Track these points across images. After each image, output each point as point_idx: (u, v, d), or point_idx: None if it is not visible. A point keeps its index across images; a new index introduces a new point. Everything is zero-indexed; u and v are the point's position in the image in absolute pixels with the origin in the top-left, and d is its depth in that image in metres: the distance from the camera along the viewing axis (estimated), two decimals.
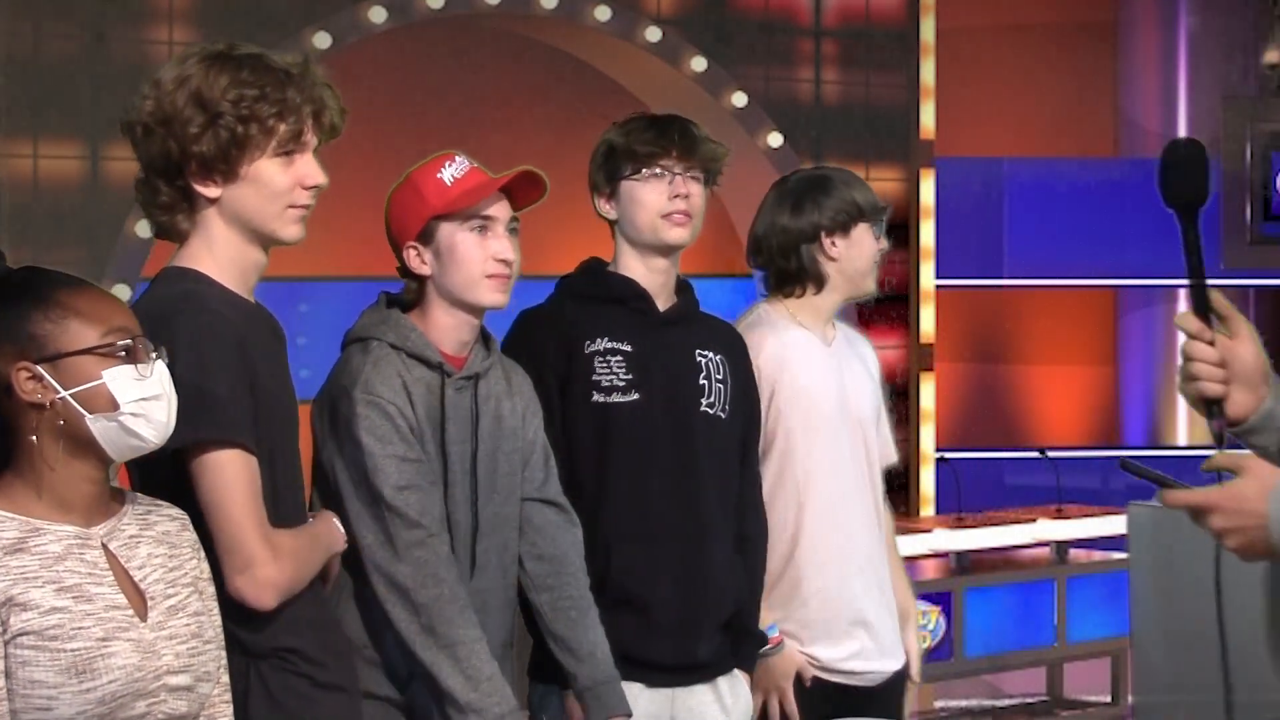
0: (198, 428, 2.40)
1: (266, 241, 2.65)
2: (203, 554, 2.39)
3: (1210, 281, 2.27)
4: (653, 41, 6.79)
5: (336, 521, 2.74)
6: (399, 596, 2.84)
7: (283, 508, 2.56)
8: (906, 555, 5.17)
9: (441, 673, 2.82)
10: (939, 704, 6.75)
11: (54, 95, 5.71)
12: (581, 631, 3.09)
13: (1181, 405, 7.43)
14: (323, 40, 6.19)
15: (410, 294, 3.02)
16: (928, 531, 6.44)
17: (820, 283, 3.66)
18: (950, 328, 8.06)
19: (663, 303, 3.37)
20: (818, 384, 3.62)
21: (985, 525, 6.50)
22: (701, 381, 3.36)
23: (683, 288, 3.43)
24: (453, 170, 2.99)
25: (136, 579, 2.27)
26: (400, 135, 6.87)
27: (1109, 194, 7.72)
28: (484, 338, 3.07)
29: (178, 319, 2.44)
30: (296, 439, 2.66)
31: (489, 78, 7.60)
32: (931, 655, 5.86)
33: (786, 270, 3.67)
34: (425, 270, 2.98)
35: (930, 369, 7.54)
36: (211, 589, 2.39)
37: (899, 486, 7.03)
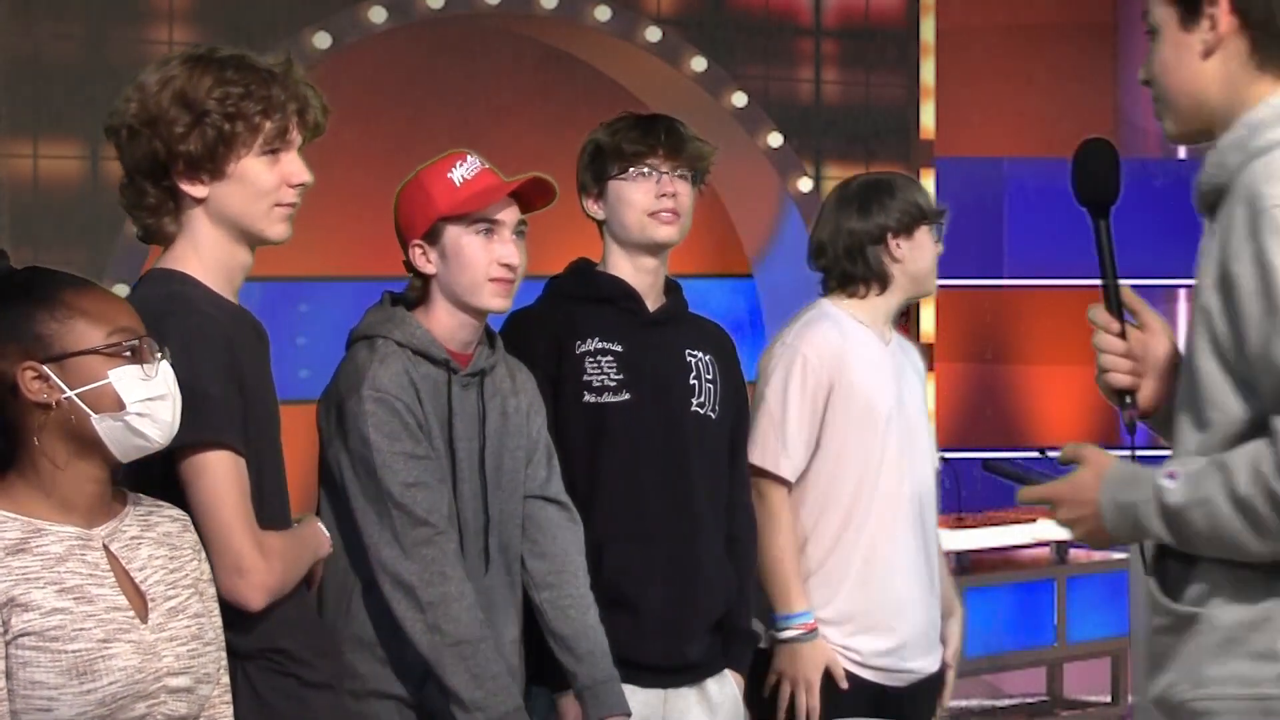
0: (189, 429, 2.40)
1: (253, 241, 2.65)
2: (204, 555, 2.40)
3: (1124, 280, 2.38)
4: (653, 41, 6.78)
5: (321, 526, 2.74)
6: (405, 594, 2.84)
7: (268, 509, 2.56)
8: None
9: (447, 671, 2.83)
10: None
11: (54, 95, 5.70)
12: (582, 630, 3.09)
13: None
14: (323, 40, 6.18)
15: (414, 292, 3.03)
16: None
17: (885, 283, 3.72)
18: (950, 328, 8.05)
19: (652, 303, 3.37)
20: (876, 381, 3.65)
21: (985, 525, 6.50)
22: (692, 381, 3.37)
23: (671, 288, 3.43)
24: (463, 171, 2.99)
25: (137, 580, 2.27)
26: (400, 135, 6.87)
27: None
28: (488, 335, 3.08)
29: (167, 321, 2.44)
30: (280, 439, 2.65)
31: (489, 78, 7.59)
32: None
33: (851, 272, 3.73)
34: (430, 269, 3.00)
35: (930, 369, 7.54)
36: (212, 590, 2.40)
37: None
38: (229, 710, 2.40)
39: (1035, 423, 8.86)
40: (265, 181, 2.61)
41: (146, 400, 2.26)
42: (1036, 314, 8.74)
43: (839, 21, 7.21)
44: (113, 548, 2.28)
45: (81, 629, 2.19)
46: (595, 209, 3.39)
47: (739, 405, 3.49)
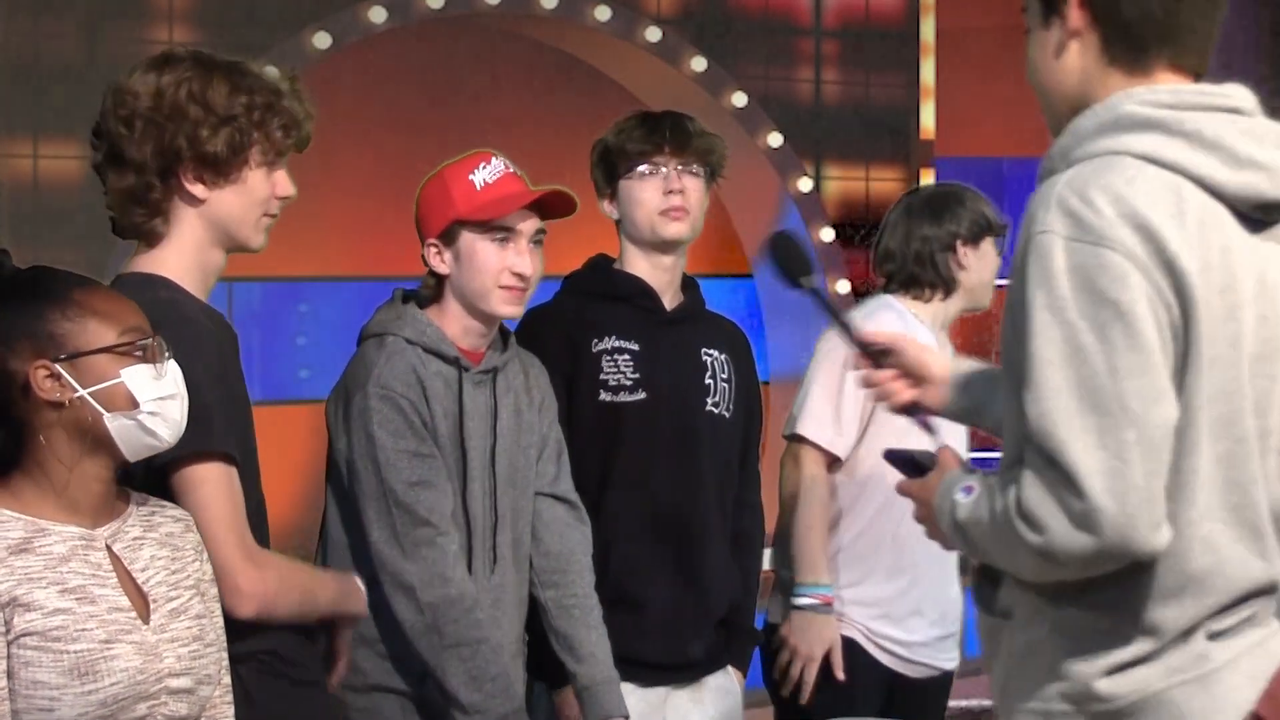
0: (186, 439, 2.39)
1: (233, 247, 2.66)
2: (205, 556, 2.39)
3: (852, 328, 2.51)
4: (653, 41, 6.79)
5: (360, 583, 2.71)
6: (405, 595, 2.84)
7: (248, 514, 2.56)
8: None
9: (446, 673, 2.83)
10: None
11: (54, 95, 5.70)
12: (584, 631, 3.09)
13: None
14: (323, 40, 6.19)
15: (428, 289, 3.03)
16: None
17: (949, 290, 3.79)
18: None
19: (669, 300, 3.37)
20: None
21: None
22: (707, 381, 3.37)
23: (689, 285, 3.43)
24: (485, 174, 2.98)
25: (139, 581, 2.27)
26: (399, 136, 6.87)
27: None
28: (501, 332, 3.08)
29: (161, 329, 2.41)
30: (255, 443, 2.64)
31: (489, 78, 7.59)
32: None
33: (919, 276, 3.80)
34: (444, 270, 3.00)
35: None
36: (214, 590, 2.39)
37: None
38: (230, 711, 2.40)
39: None
40: (261, 192, 2.63)
41: (158, 399, 2.26)
42: None
43: (839, 21, 7.21)
44: (115, 548, 2.28)
45: (84, 629, 2.19)
46: (610, 209, 3.39)
47: (751, 404, 3.49)
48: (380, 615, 2.90)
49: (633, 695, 3.23)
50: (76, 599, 2.20)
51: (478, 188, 2.97)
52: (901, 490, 2.30)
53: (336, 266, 7.27)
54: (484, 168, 2.99)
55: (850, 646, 3.62)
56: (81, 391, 2.22)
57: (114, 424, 2.24)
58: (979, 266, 3.81)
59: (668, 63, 6.85)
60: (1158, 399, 1.98)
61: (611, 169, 3.36)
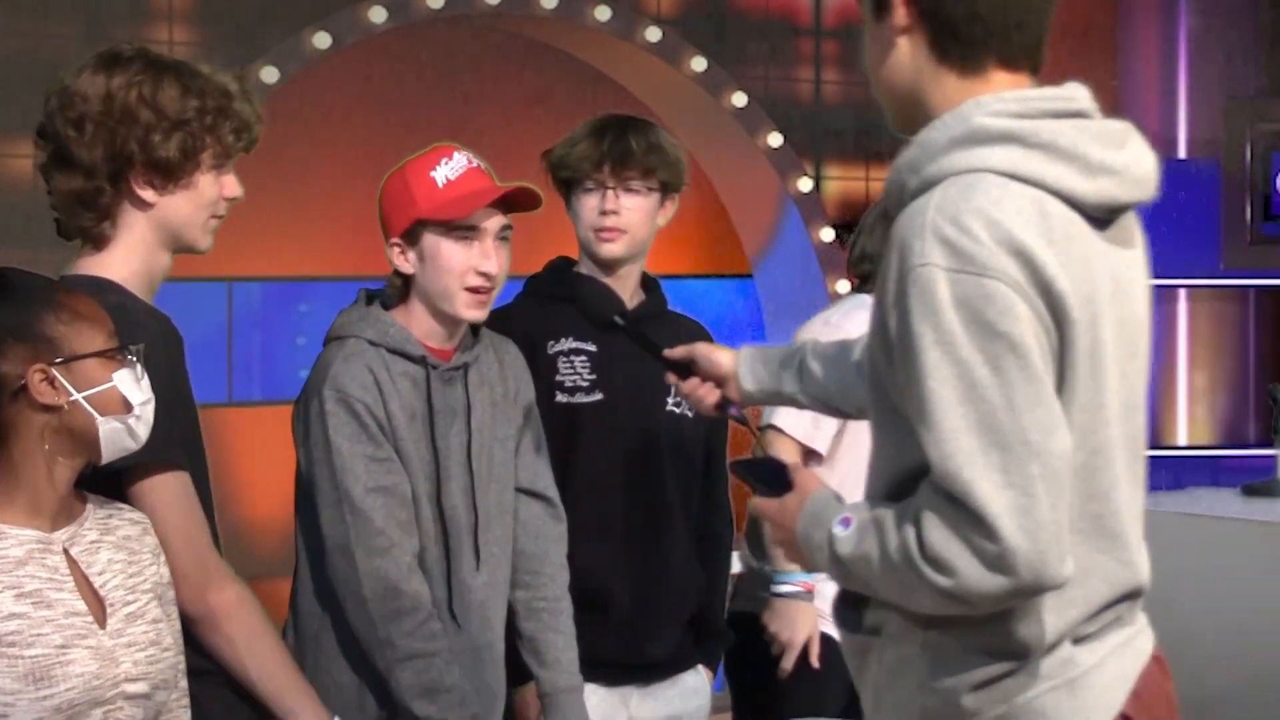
0: (146, 449, 2.36)
1: (180, 249, 2.62)
2: (163, 559, 2.37)
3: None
4: (653, 41, 6.78)
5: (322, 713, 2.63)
6: (358, 606, 2.81)
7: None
8: None
9: (400, 686, 2.80)
10: None
11: None
12: (552, 635, 3.07)
13: (1181, 405, 7.43)
14: (323, 40, 6.18)
15: (393, 289, 2.98)
16: None
17: None
18: None
19: (629, 302, 3.34)
20: None
21: None
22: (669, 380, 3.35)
23: (649, 286, 3.40)
24: (447, 170, 2.90)
25: (96, 585, 2.25)
26: (399, 135, 6.86)
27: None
28: (471, 326, 3.02)
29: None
30: (203, 446, 2.61)
31: (489, 78, 7.59)
32: None
33: None
34: (409, 269, 2.92)
35: None
36: (171, 594, 2.37)
37: None
38: (186, 715, 2.37)
39: None
40: (210, 194, 2.60)
41: (143, 403, 2.26)
42: None
43: (839, 21, 7.21)
44: (73, 552, 2.25)
45: (39, 634, 2.17)
46: (571, 216, 3.37)
47: None
48: (349, 651, 2.87)
49: (595, 695, 3.21)
50: (32, 603, 2.18)
51: (439, 185, 2.89)
52: (757, 510, 2.24)
53: (336, 266, 7.26)
54: (446, 163, 2.91)
55: (827, 642, 3.60)
56: (77, 395, 2.21)
57: (105, 428, 2.23)
58: None
59: (668, 63, 6.85)
60: (1055, 429, 1.94)
61: (560, 180, 3.33)
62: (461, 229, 2.89)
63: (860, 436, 3.61)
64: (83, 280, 2.51)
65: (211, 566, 2.48)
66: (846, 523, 2.08)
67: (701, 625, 3.43)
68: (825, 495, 2.17)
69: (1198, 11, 7.59)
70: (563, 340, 3.26)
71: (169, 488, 2.45)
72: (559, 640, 3.08)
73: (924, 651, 2.07)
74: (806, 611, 3.58)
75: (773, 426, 3.66)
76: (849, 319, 3.68)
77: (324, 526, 2.82)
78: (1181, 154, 7.41)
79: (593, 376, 3.26)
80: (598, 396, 3.26)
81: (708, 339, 3.47)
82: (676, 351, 2.65)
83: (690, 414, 3.37)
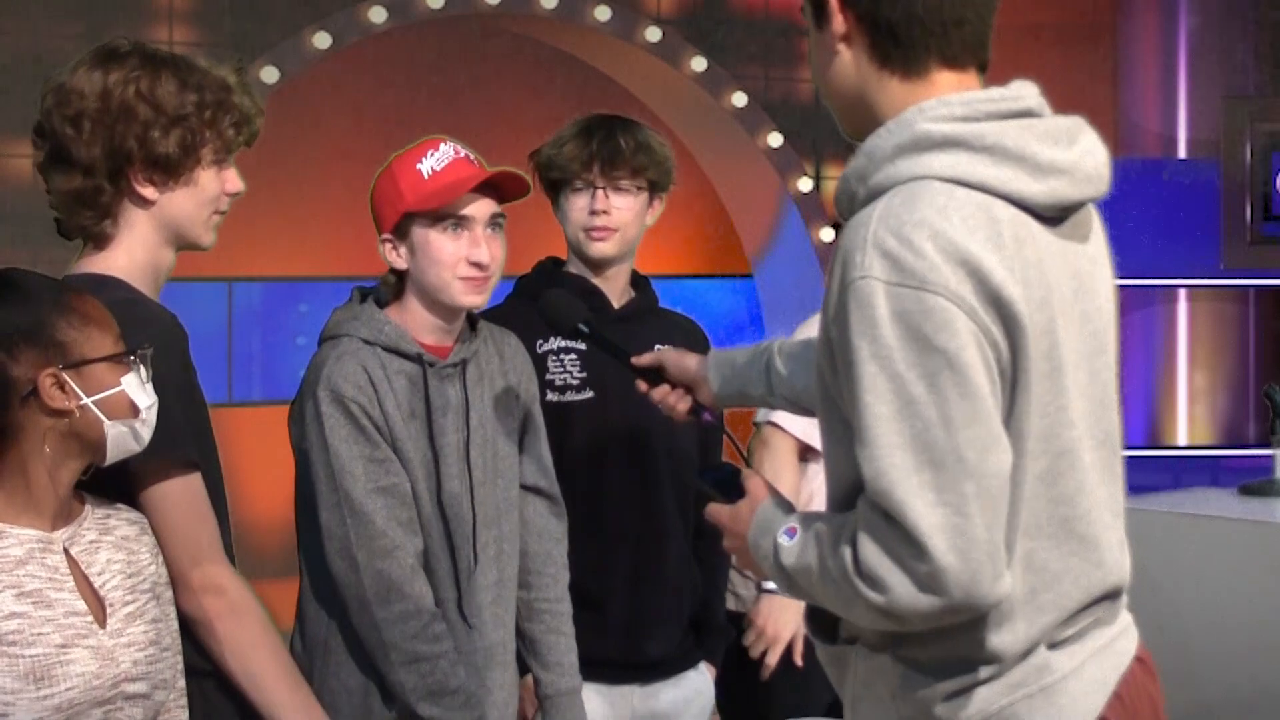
0: (154, 447, 2.35)
1: (183, 246, 2.60)
2: (160, 558, 2.36)
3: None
4: (653, 41, 6.78)
5: None
6: (361, 608, 2.79)
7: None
8: None
9: (405, 688, 2.79)
10: None
11: None
12: (553, 637, 3.06)
13: (1181, 405, 7.43)
14: (323, 40, 6.18)
15: (388, 286, 2.96)
16: None
17: None
18: None
19: (617, 300, 3.33)
20: None
21: None
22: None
23: (639, 284, 3.40)
24: (432, 161, 2.88)
25: (96, 585, 2.24)
26: (400, 135, 6.86)
27: (1108, 194, 7.71)
28: (469, 321, 3.00)
29: (126, 332, 2.35)
30: (215, 443, 2.59)
31: (489, 78, 7.59)
32: None
33: None
34: (401, 265, 2.90)
35: None
36: (169, 593, 2.36)
37: None
38: (185, 715, 2.37)
39: None
40: (212, 190, 2.57)
41: (149, 407, 2.26)
42: None
43: None
44: (72, 551, 2.24)
45: (39, 634, 2.16)
46: (558, 217, 3.37)
47: None
48: (359, 657, 2.87)
49: (597, 695, 3.21)
50: (33, 603, 2.17)
51: (425, 176, 2.87)
52: (710, 517, 2.23)
53: (336, 266, 7.27)
54: (431, 155, 2.89)
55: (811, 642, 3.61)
56: (86, 400, 2.21)
57: (112, 431, 2.23)
58: None
59: (668, 63, 6.85)
60: (992, 446, 1.92)
61: (548, 181, 3.32)
62: (449, 219, 2.87)
63: None
64: (89, 278, 2.49)
65: (213, 569, 2.46)
66: (791, 533, 2.07)
67: (702, 622, 3.43)
68: (775, 503, 2.15)
69: (1198, 11, 7.59)
70: (552, 339, 3.26)
71: (177, 488, 2.44)
72: (561, 642, 3.07)
73: (896, 662, 2.06)
74: (792, 609, 3.58)
75: (771, 423, 3.66)
76: (815, 323, 3.68)
77: (324, 529, 2.80)
78: (1181, 154, 7.41)
79: (583, 375, 3.26)
80: (588, 395, 3.26)
81: (701, 336, 3.47)
82: (644, 359, 2.64)
83: None
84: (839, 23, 2.09)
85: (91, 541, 2.27)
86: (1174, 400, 7.42)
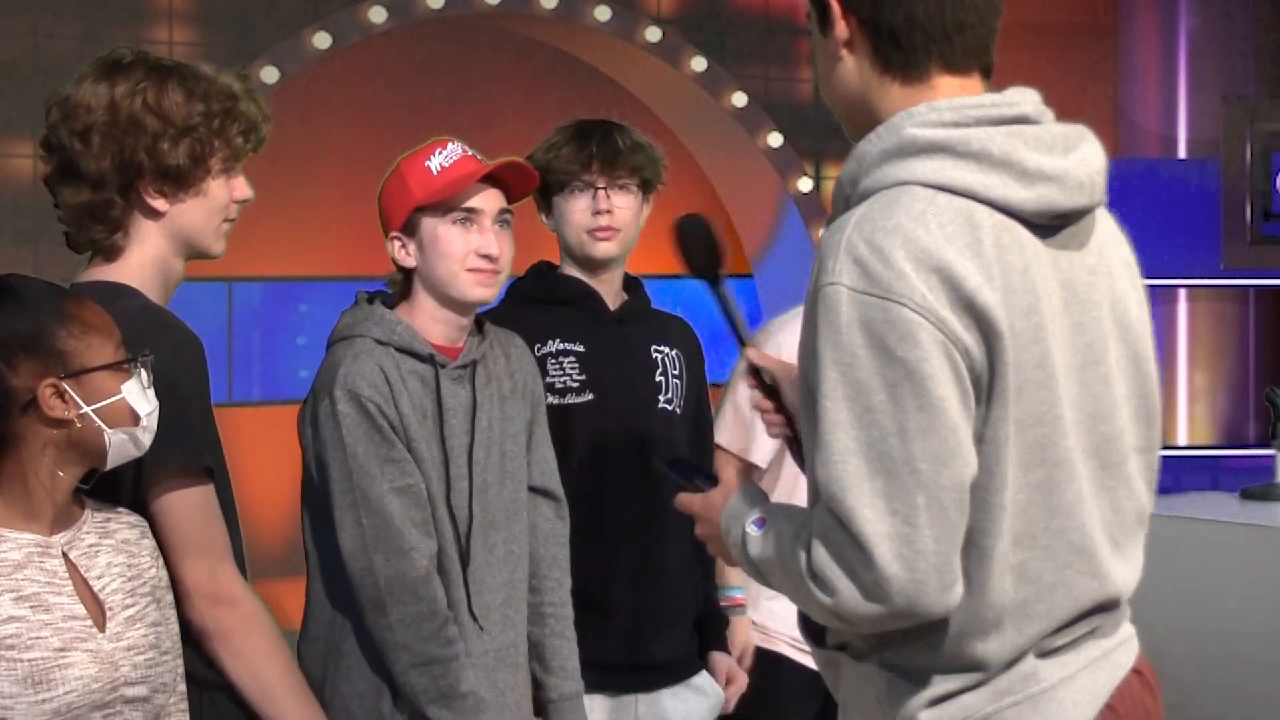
0: (174, 454, 2.35)
1: (194, 256, 2.59)
2: (161, 562, 2.35)
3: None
4: (653, 41, 6.78)
5: None
6: (375, 609, 2.79)
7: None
8: None
9: (416, 690, 2.79)
10: None
11: None
12: (557, 641, 3.06)
13: (1181, 405, 7.43)
14: (323, 40, 6.19)
15: (395, 286, 2.97)
16: None
17: None
18: None
19: (612, 302, 3.34)
20: None
21: None
22: (658, 378, 3.33)
23: (632, 286, 3.40)
24: (441, 158, 2.89)
25: (95, 588, 2.24)
26: (399, 135, 6.86)
27: (1108, 194, 7.70)
28: (477, 322, 3.01)
29: (143, 338, 2.35)
30: (223, 453, 2.58)
31: (489, 78, 7.59)
32: None
33: None
34: (410, 262, 2.91)
35: None
36: (169, 597, 2.35)
37: None
38: (185, 719, 2.38)
39: None
40: (221, 199, 2.56)
41: (150, 413, 2.26)
42: None
43: None
44: (71, 555, 2.24)
45: (38, 637, 2.16)
46: (548, 222, 3.37)
47: (702, 398, 3.48)
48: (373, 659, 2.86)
49: (600, 707, 3.21)
50: (31, 607, 2.17)
51: (434, 172, 2.88)
52: (681, 505, 2.23)
53: (336, 266, 7.27)
54: (440, 153, 2.91)
55: (777, 662, 3.61)
56: (87, 410, 2.21)
57: (113, 439, 2.22)
58: None
59: (668, 63, 6.85)
60: (949, 459, 1.91)
61: (543, 185, 3.32)
62: (458, 212, 2.88)
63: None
64: (103, 287, 2.47)
65: (225, 580, 2.45)
66: (760, 523, 2.08)
67: (706, 620, 3.44)
68: (748, 492, 2.16)
69: (1197, 11, 7.59)
70: (550, 342, 3.26)
71: (193, 498, 2.42)
72: (564, 646, 3.07)
73: (882, 668, 2.05)
74: (739, 625, 3.60)
75: (716, 444, 3.65)
76: (783, 330, 3.67)
77: (340, 529, 2.80)
78: (1181, 154, 7.41)
79: (582, 377, 3.26)
80: (588, 397, 3.26)
81: (692, 335, 3.48)
82: (763, 359, 2.43)
83: (681, 410, 3.37)
84: (842, 28, 2.09)
85: (91, 545, 2.27)
86: (1174, 400, 7.42)
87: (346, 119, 7.35)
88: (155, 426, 2.27)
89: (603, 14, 6.64)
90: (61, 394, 2.18)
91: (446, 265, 2.87)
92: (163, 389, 2.30)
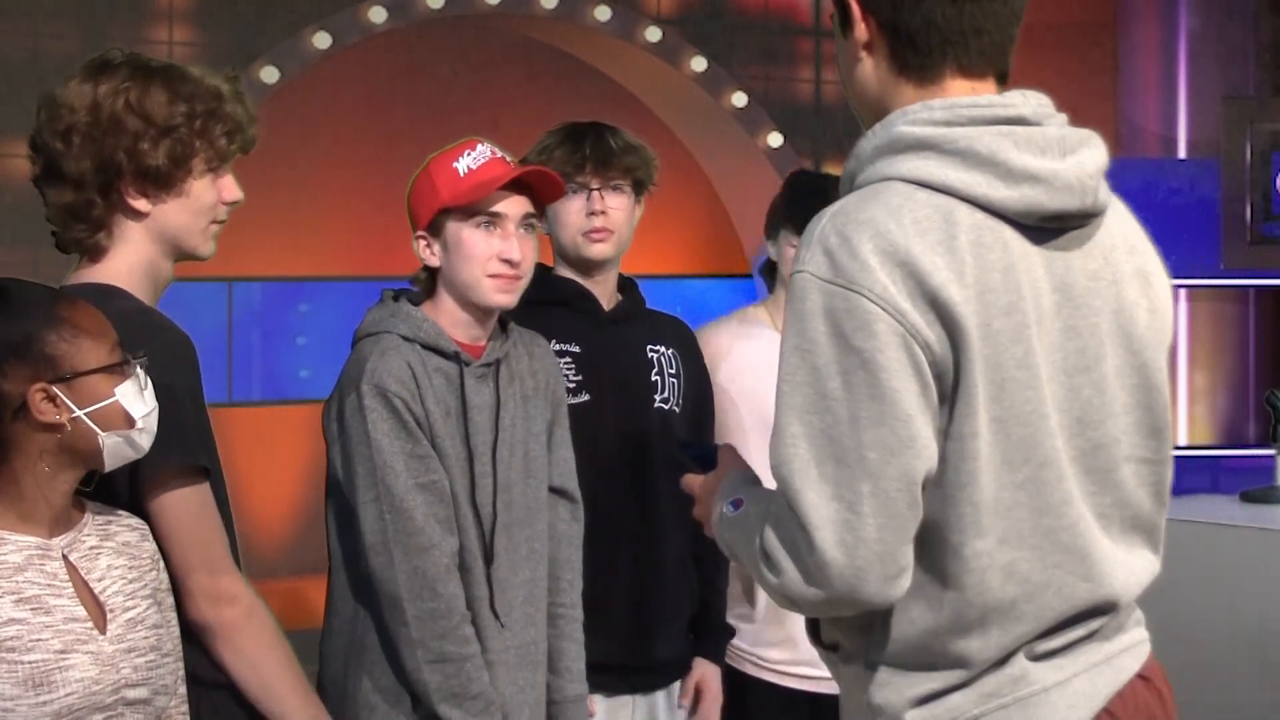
0: (171, 453, 2.35)
1: (181, 257, 2.58)
2: (162, 565, 2.35)
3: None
4: (653, 41, 6.79)
5: None
6: (392, 604, 2.80)
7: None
8: None
9: (427, 686, 2.79)
10: None
11: None
12: (565, 643, 3.06)
13: (1182, 405, 7.43)
14: (323, 40, 6.19)
15: (420, 284, 2.98)
16: None
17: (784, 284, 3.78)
18: None
19: (607, 303, 3.34)
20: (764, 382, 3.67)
21: None
22: (654, 378, 3.34)
23: (627, 286, 3.41)
24: (469, 160, 2.90)
25: (96, 591, 2.24)
26: (399, 136, 6.86)
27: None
28: (500, 321, 3.02)
29: (135, 339, 2.34)
30: (217, 450, 2.58)
31: (489, 78, 7.59)
32: None
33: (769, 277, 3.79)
34: (434, 262, 2.93)
35: None
36: (170, 599, 2.35)
37: None
38: None
39: None
40: (207, 199, 2.55)
41: (146, 415, 2.25)
42: None
43: None
44: (72, 558, 2.24)
45: (38, 640, 2.16)
46: (541, 224, 3.37)
47: (701, 397, 3.48)
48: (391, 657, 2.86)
49: (598, 704, 3.21)
50: (32, 609, 2.17)
51: (461, 174, 2.89)
52: (684, 486, 2.27)
53: (336, 266, 7.27)
54: (468, 154, 2.91)
55: (744, 683, 3.60)
56: (79, 413, 2.20)
57: (108, 442, 2.22)
58: (781, 255, 3.78)
59: (668, 63, 6.85)
60: (898, 450, 1.92)
61: None
62: (483, 215, 2.90)
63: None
64: (91, 289, 2.47)
65: (225, 577, 2.45)
66: (737, 504, 2.10)
67: (702, 623, 3.44)
68: (737, 475, 2.19)
69: (1197, 11, 7.59)
70: (550, 343, 3.26)
71: (190, 498, 2.43)
72: (572, 648, 3.07)
73: (868, 667, 2.06)
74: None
75: None
76: (717, 332, 3.68)
77: (362, 524, 2.81)
78: (1181, 154, 7.41)
79: (579, 378, 3.26)
80: (585, 398, 3.26)
81: (688, 334, 3.49)
82: None
83: (678, 409, 3.38)
84: (862, 30, 2.11)
85: (92, 548, 2.27)
86: (1174, 400, 7.41)
87: (346, 119, 7.35)
88: (155, 428, 2.27)
89: (603, 14, 6.65)
90: (52, 398, 2.18)
91: (470, 269, 2.89)
92: (156, 390, 2.30)
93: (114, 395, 2.21)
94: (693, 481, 2.26)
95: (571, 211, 3.29)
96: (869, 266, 1.93)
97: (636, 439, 3.30)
